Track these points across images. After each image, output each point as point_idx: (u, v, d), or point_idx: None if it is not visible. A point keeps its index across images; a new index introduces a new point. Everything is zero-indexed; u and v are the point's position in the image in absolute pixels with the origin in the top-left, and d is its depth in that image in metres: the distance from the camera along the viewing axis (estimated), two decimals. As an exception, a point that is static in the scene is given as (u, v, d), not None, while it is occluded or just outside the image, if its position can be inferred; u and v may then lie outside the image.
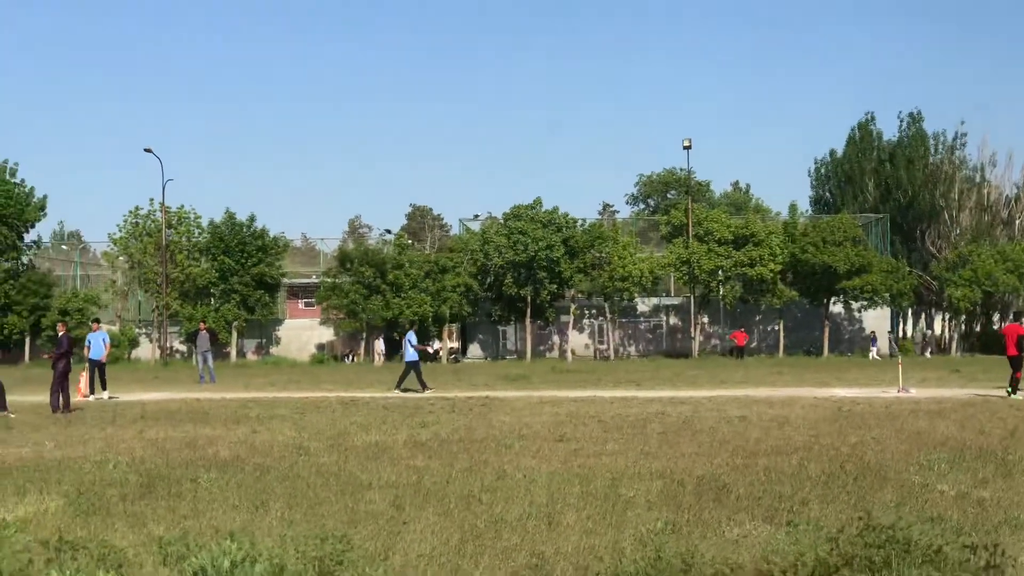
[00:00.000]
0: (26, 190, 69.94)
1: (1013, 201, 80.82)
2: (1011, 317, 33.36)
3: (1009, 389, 27.91)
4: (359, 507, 11.18)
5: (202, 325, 48.77)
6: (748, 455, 15.37)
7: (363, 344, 72.00)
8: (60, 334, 28.19)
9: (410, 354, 34.55)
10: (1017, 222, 79.40)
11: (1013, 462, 14.19)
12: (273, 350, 74.97)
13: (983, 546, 7.55)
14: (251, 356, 73.83)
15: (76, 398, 28.80)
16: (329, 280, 72.57)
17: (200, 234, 72.78)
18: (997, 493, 11.70)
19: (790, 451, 15.70)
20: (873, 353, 68.30)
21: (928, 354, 70.70)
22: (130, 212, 72.23)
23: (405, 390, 33.55)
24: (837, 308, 73.32)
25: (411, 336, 35.29)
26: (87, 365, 31.88)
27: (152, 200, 72.98)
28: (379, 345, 69.58)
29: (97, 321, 35.07)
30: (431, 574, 8.17)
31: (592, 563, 8.42)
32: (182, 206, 73.83)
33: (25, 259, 72.91)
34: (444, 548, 9.11)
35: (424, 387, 33.49)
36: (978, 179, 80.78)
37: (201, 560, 7.02)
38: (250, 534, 9.07)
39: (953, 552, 7.51)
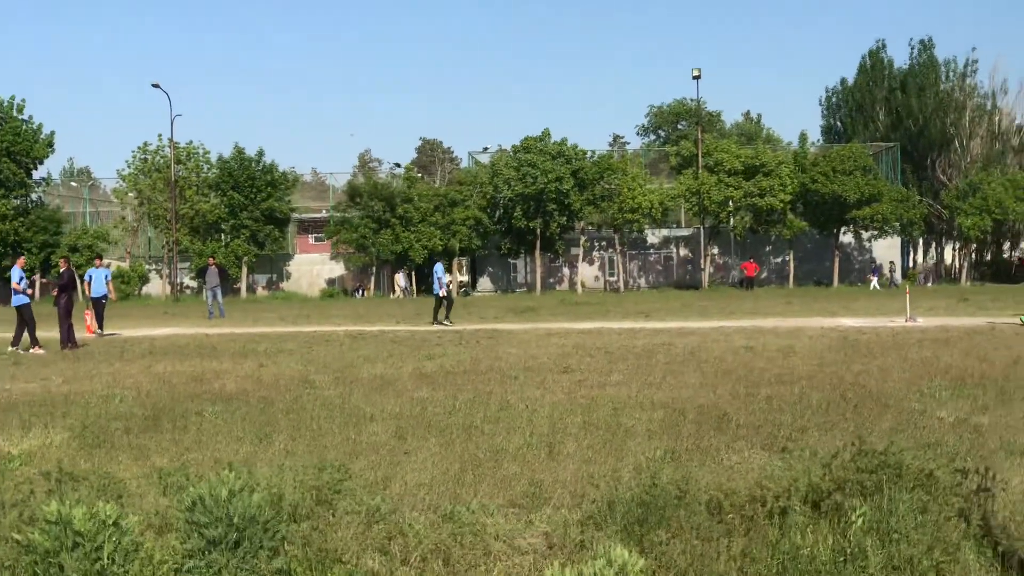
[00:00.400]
0: (34, 127, 69.89)
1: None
2: None
3: (1022, 318, 27.93)
4: (361, 438, 11.26)
5: (211, 260, 48.83)
6: (751, 385, 15.42)
7: (373, 278, 72.11)
8: (62, 269, 28.08)
9: (442, 284, 34.60)
10: (1028, 149, 79.15)
11: (1013, 389, 14.23)
12: (283, 285, 75.21)
13: (975, 470, 7.60)
14: (261, 291, 74.07)
15: (84, 335, 28.85)
16: (339, 215, 72.71)
17: (209, 169, 72.89)
18: (995, 419, 11.76)
19: (793, 380, 15.74)
20: (874, 283, 68.30)
21: (930, 283, 70.57)
22: (139, 148, 72.48)
23: (444, 321, 33.72)
24: (847, 238, 73.31)
25: (438, 268, 35.33)
26: (90, 302, 31.67)
27: (160, 136, 73.32)
28: (400, 279, 69.76)
29: (100, 257, 34.69)
30: (429, 502, 8.25)
31: (589, 490, 8.50)
32: (191, 141, 74.04)
33: (34, 196, 73.00)
34: (443, 477, 9.19)
35: (435, 320, 33.63)
36: (989, 107, 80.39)
37: (199, 490, 7.07)
38: (250, 465, 9.16)
39: (945, 476, 7.55)
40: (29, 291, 25.97)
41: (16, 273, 26.10)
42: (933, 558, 6.82)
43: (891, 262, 74.90)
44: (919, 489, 7.31)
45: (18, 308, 25.69)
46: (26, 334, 25.56)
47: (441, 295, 34.49)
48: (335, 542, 7.02)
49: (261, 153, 72.06)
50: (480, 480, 9.07)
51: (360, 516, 7.31)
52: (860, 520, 7.01)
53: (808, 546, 6.87)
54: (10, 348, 25.23)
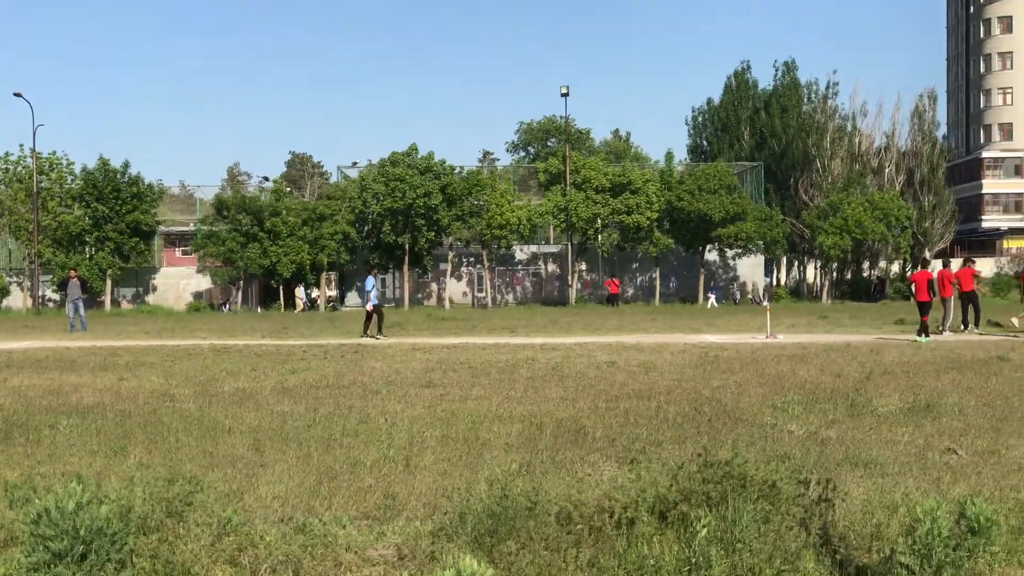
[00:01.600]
0: None
1: (883, 150, 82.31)
2: (919, 265, 34.39)
3: (920, 337, 28.55)
4: (218, 451, 11.23)
5: (72, 273, 47.96)
6: (611, 399, 15.61)
7: (240, 293, 71.51)
8: None
9: (372, 298, 34.42)
10: (887, 171, 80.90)
11: (862, 403, 14.61)
12: (149, 299, 74.23)
13: (817, 481, 7.81)
14: (126, 305, 72.96)
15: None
16: (206, 228, 71.95)
17: (73, 181, 71.65)
18: (842, 433, 12.09)
19: (652, 395, 15.95)
20: (711, 301, 69.26)
21: (766, 303, 71.49)
22: (0, 158, 70.87)
23: (377, 335, 33.60)
24: (712, 256, 74.30)
25: (369, 281, 35.14)
26: None
27: (22, 146, 71.78)
28: (300, 291, 69.42)
29: None
30: (282, 514, 8.27)
31: (442, 502, 8.58)
32: (54, 152, 72.84)
33: None
34: (299, 489, 9.21)
35: (365, 333, 33.65)
36: (849, 128, 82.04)
37: (45, 502, 7.01)
38: (102, 478, 9.08)
39: (787, 487, 7.74)
40: None
41: None
42: (774, 566, 7.00)
43: (754, 282, 76.07)
44: (762, 500, 7.49)
45: None
46: None
47: (369, 309, 34.33)
48: (184, 554, 7.00)
49: (127, 165, 71.12)
50: (335, 492, 9.10)
51: (211, 528, 7.30)
52: (705, 530, 7.16)
53: (654, 556, 7.01)
54: None
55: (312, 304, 70.32)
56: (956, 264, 37.25)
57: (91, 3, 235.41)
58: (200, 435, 12.35)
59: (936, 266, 40.11)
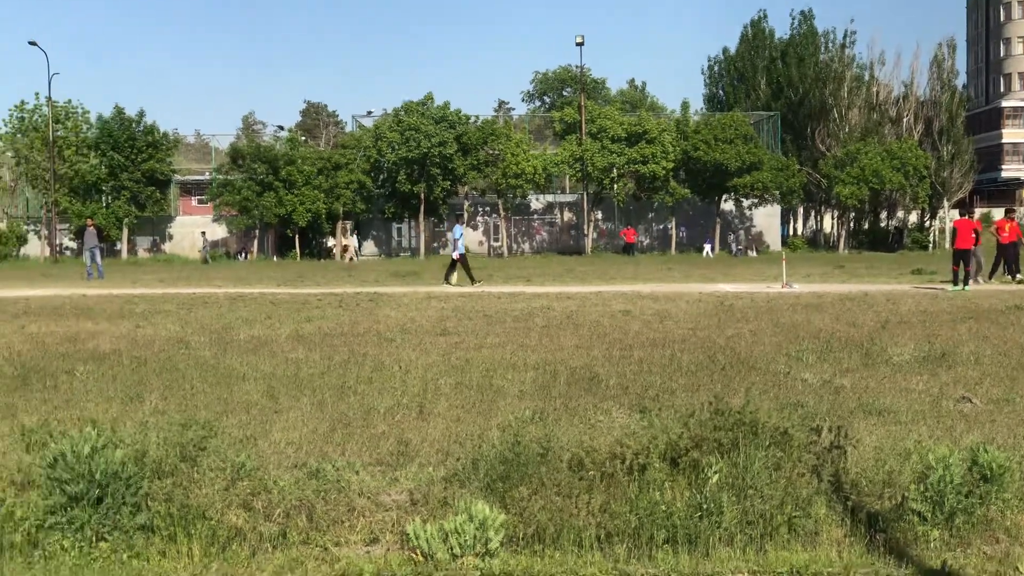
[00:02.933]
0: (-94, 83, 68.22)
1: (900, 99, 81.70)
2: (959, 212, 34.35)
3: (961, 286, 28.46)
4: (233, 397, 11.27)
5: (89, 221, 48.06)
6: (625, 348, 15.61)
7: (256, 241, 71.57)
8: None
9: (459, 247, 34.42)
10: (904, 120, 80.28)
11: (877, 352, 14.59)
12: (165, 247, 74.31)
13: (828, 428, 7.82)
14: (143, 253, 73.08)
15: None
16: (222, 177, 71.89)
17: (89, 129, 71.60)
18: (856, 381, 12.08)
19: (666, 344, 15.94)
20: (707, 251, 69.19)
21: (751, 253, 71.06)
22: (15, 107, 70.95)
23: (451, 282, 33.84)
24: (728, 205, 74.00)
25: (457, 229, 35.03)
26: None
27: (38, 95, 71.72)
28: (353, 240, 69.29)
29: None
30: (296, 459, 8.31)
31: (454, 448, 8.62)
32: (69, 101, 72.70)
33: (-93, 153, 71.34)
34: (312, 436, 9.26)
35: (447, 280, 33.83)
36: (867, 77, 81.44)
37: (61, 447, 7.07)
38: (118, 423, 9.13)
39: (799, 434, 7.76)
40: None
41: None
42: (786, 512, 7.04)
43: (741, 231, 75.71)
44: (774, 447, 7.51)
45: None
46: None
47: (455, 257, 34.39)
48: (199, 498, 7.05)
49: (142, 114, 71.11)
50: (349, 439, 9.15)
51: (225, 472, 7.35)
52: (716, 476, 7.20)
53: (666, 501, 7.05)
54: None
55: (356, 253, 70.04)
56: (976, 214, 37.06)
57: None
58: (215, 382, 12.40)
59: (954, 216, 39.93)
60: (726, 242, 72.24)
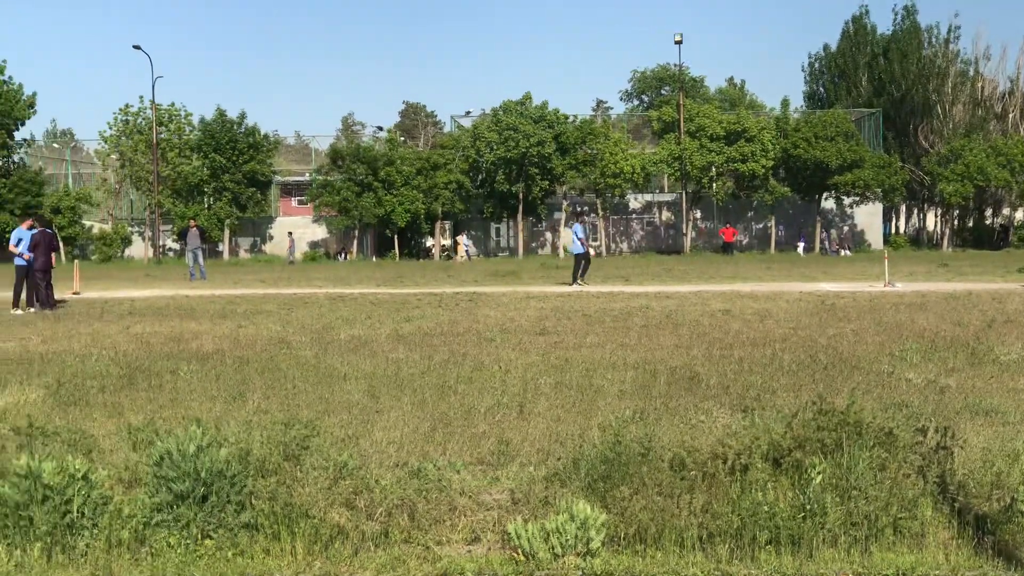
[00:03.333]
0: (15, 87, 69.51)
1: (1006, 95, 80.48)
2: None
3: None
4: (334, 397, 11.34)
5: (192, 222, 48.65)
6: (725, 347, 15.51)
7: (355, 242, 72.07)
8: (35, 229, 27.08)
9: (578, 246, 34.41)
10: (1010, 116, 79.15)
11: (983, 351, 14.35)
12: (266, 248, 75.09)
13: (935, 429, 7.71)
14: (244, 254, 73.92)
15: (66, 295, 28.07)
16: (321, 178, 72.51)
17: (191, 132, 72.60)
18: (962, 381, 11.88)
19: (767, 343, 15.81)
20: (800, 248, 68.54)
21: (844, 252, 70.07)
22: (120, 110, 72.17)
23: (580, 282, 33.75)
24: (829, 204, 73.34)
25: (578, 228, 35.02)
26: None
27: (142, 98, 73.05)
28: (464, 239, 69.61)
29: (35, 216, 29.03)
30: (397, 459, 8.34)
31: (554, 448, 8.61)
32: (172, 104, 73.79)
33: (16, 157, 72.66)
34: (413, 435, 9.29)
35: (576, 281, 33.69)
36: (971, 73, 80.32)
37: (167, 445, 7.16)
38: (221, 422, 9.22)
39: (904, 435, 7.66)
40: (25, 254, 25.60)
41: (18, 235, 25.97)
42: (891, 514, 6.95)
43: (833, 229, 74.83)
44: (879, 447, 7.42)
45: (16, 267, 25.67)
46: (35, 293, 25.78)
47: (578, 254, 34.38)
48: (302, 497, 7.10)
49: (243, 116, 72.06)
50: (450, 438, 9.17)
51: (327, 471, 7.39)
52: (819, 477, 7.12)
53: (768, 502, 6.99)
54: (32, 309, 25.25)
55: (468, 256, 70.23)
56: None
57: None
58: (316, 381, 12.48)
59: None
60: (820, 240, 71.60)
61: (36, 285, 26.02)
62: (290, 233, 71.21)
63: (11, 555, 6.90)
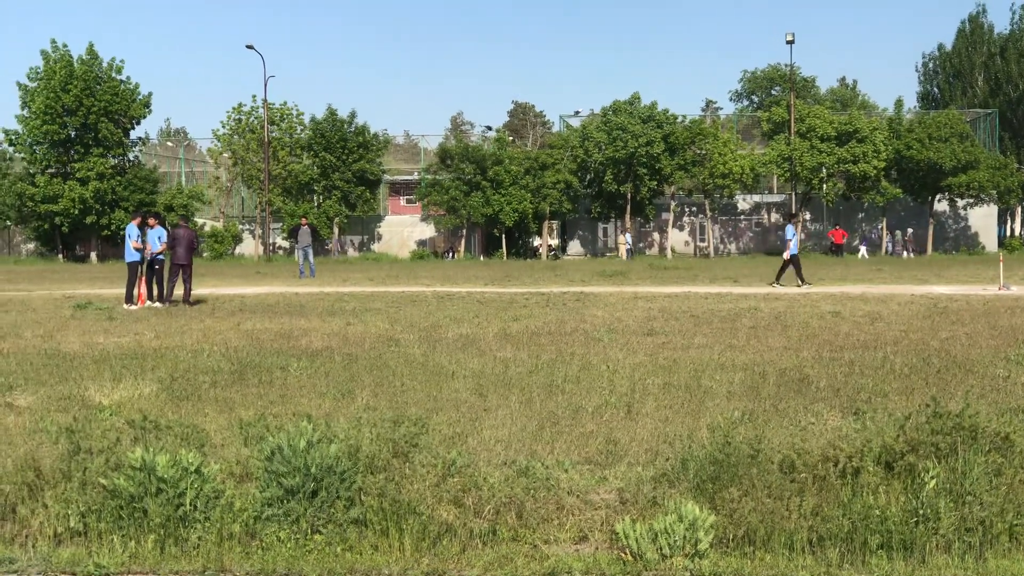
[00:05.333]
0: (131, 87, 70.68)
1: None
2: None
3: None
4: (442, 395, 11.40)
5: (303, 220, 49.07)
6: (835, 349, 15.36)
7: (463, 241, 72.35)
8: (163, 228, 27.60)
9: (792, 247, 34.23)
10: None
11: (1103, 356, 14.08)
12: (374, 246, 75.67)
13: (1053, 434, 7.57)
14: (352, 252, 74.52)
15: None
16: (430, 177, 72.92)
17: (302, 131, 73.39)
18: (1082, 386, 11.66)
19: (878, 346, 15.63)
20: (862, 252, 67.54)
21: (907, 254, 68.74)
22: (233, 109, 73.21)
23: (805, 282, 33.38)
24: (942, 206, 72.29)
25: (789, 229, 34.87)
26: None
27: (255, 97, 74.06)
28: (628, 238, 69.82)
29: (155, 216, 28.69)
30: (505, 457, 8.35)
31: (663, 448, 8.58)
32: (284, 103, 74.72)
33: (131, 155, 73.86)
34: (521, 434, 9.30)
35: (803, 282, 33.34)
36: (1093, 72, 78.86)
37: (278, 440, 7.24)
38: (330, 418, 9.29)
39: (1021, 440, 7.52)
40: (141, 248, 26.03)
41: (130, 230, 26.39)
42: (1006, 520, 6.84)
43: (897, 231, 73.57)
44: (994, 452, 7.30)
45: (129, 264, 26.08)
46: (155, 287, 26.63)
47: (785, 257, 34.27)
48: (410, 494, 7.13)
49: (353, 115, 72.73)
50: (557, 437, 9.17)
51: (436, 469, 7.41)
52: (933, 481, 7.02)
53: (880, 506, 6.91)
54: (158, 303, 25.78)
55: (537, 252, 70.26)
56: None
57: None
58: (424, 379, 12.55)
59: None
60: (886, 242, 70.71)
61: (160, 279, 26.56)
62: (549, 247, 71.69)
63: (126, 546, 7.01)
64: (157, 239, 26.66)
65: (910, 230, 73.07)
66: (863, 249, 68.55)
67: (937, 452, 7.28)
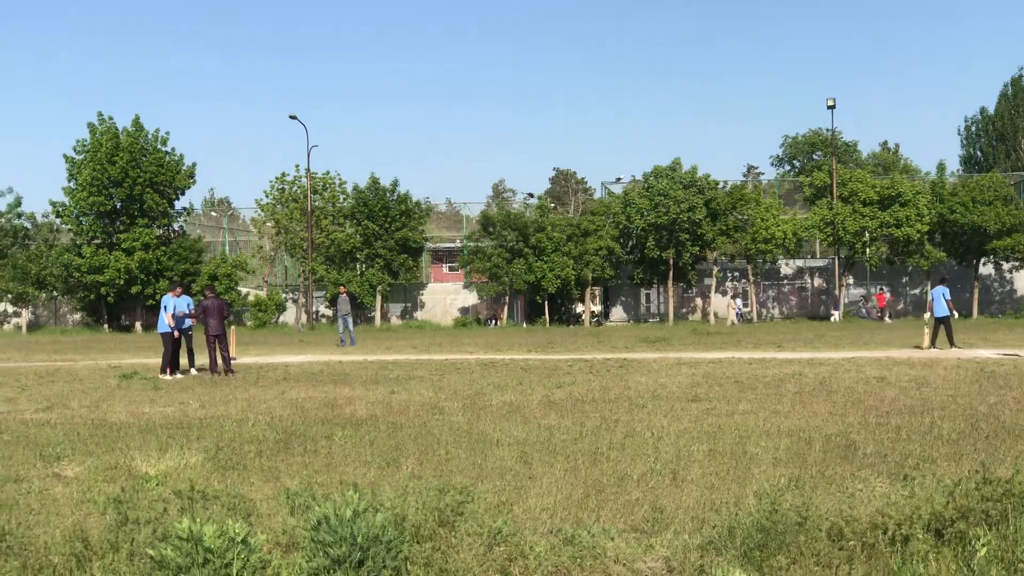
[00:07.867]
0: (176, 158, 71.47)
1: None
2: None
3: None
4: (487, 463, 11.38)
5: (341, 288, 49.19)
6: (881, 414, 15.27)
7: (506, 308, 72.40)
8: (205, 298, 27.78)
9: (941, 308, 34.18)
10: None
11: None
12: (417, 314, 75.81)
13: (1105, 501, 7.49)
14: (395, 320, 74.69)
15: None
16: (472, 244, 73.12)
17: (345, 199, 73.85)
18: None
19: (925, 411, 15.54)
20: (835, 316, 67.13)
21: (887, 319, 68.01)
22: (276, 178, 73.81)
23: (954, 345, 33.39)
24: (987, 269, 71.88)
25: (944, 290, 34.77)
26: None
27: (297, 166, 74.42)
28: (738, 303, 69.82)
29: (182, 285, 28.56)
30: (551, 525, 8.33)
31: (710, 516, 8.52)
32: (327, 172, 75.25)
33: (176, 225, 74.50)
34: (567, 502, 9.27)
35: (952, 345, 33.33)
36: None
37: (325, 510, 7.23)
38: (376, 487, 9.29)
39: (1073, 507, 7.46)
40: (173, 321, 26.19)
41: (165, 302, 26.56)
42: (1059, 587, 6.75)
43: (864, 295, 73.28)
44: (1046, 519, 7.23)
45: (162, 334, 26.26)
46: (186, 358, 27.03)
47: (946, 316, 34.16)
48: (456, 563, 7.11)
49: (395, 183, 73.06)
50: (603, 505, 9.13)
51: (482, 538, 7.40)
52: (984, 549, 6.95)
53: (930, 574, 6.83)
54: (193, 371, 26.09)
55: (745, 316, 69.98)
56: None
57: (360, 33, 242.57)
58: (469, 447, 12.54)
59: None
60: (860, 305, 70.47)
61: (190, 349, 26.89)
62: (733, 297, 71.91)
63: (173, 617, 7.02)
64: (186, 306, 27.11)
65: (875, 291, 72.59)
66: (836, 314, 68.20)
67: (987, 519, 7.22)
